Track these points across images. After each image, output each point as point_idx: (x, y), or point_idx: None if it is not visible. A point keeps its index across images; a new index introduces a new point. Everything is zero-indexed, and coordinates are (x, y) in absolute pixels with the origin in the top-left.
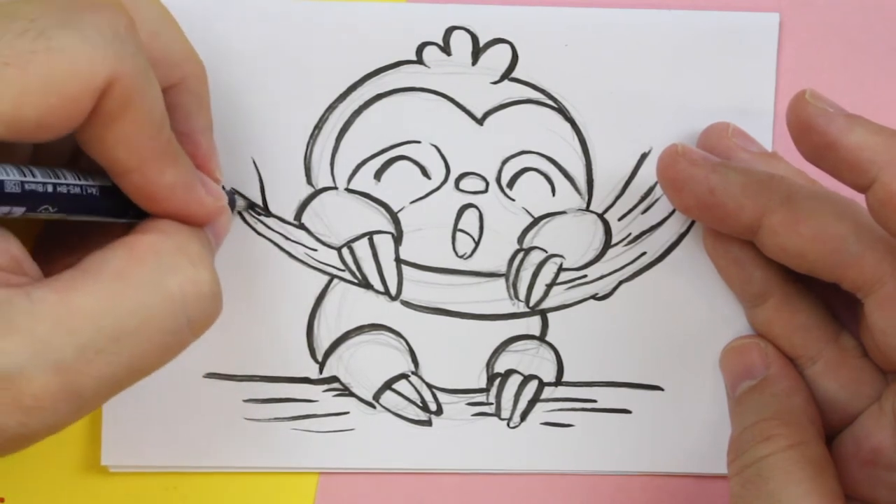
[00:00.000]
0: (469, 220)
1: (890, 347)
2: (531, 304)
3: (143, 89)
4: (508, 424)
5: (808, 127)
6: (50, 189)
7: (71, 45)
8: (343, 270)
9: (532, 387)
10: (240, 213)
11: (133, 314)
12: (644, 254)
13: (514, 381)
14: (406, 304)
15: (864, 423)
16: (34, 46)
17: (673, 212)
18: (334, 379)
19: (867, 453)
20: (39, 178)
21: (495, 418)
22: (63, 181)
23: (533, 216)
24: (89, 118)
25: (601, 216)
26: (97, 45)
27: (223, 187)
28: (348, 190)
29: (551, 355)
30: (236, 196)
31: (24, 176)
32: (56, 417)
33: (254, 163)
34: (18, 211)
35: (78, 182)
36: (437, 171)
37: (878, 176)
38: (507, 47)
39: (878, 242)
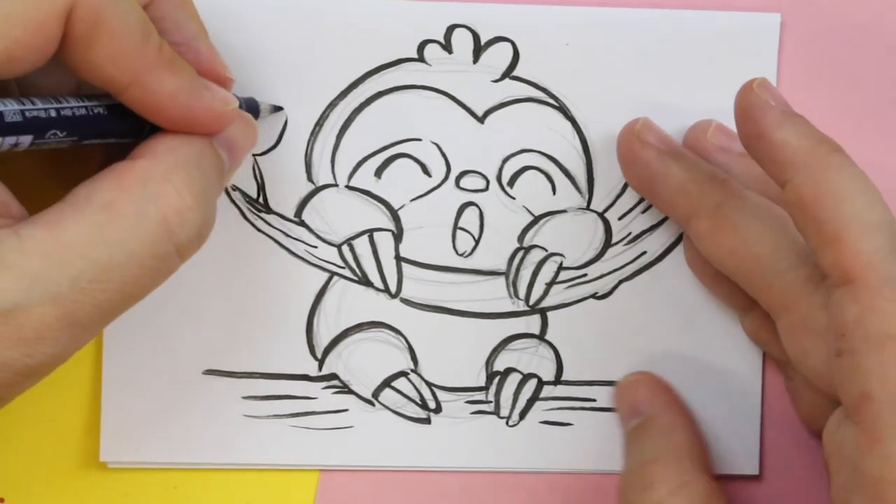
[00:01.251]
0: (469, 219)
1: (802, 374)
2: (531, 302)
3: (111, 2)
4: (507, 423)
5: (745, 114)
6: (53, 114)
7: None
8: (343, 268)
9: (531, 385)
10: (240, 210)
11: (121, 245)
12: (644, 253)
13: (514, 379)
14: (406, 301)
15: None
16: None
17: None
18: (333, 376)
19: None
20: (40, 105)
21: (494, 416)
22: (66, 105)
23: (533, 215)
24: (66, 44)
25: (601, 215)
26: None
27: (248, 102)
28: (349, 187)
29: (551, 354)
30: (258, 102)
31: (24, 105)
32: (58, 347)
33: (254, 159)
34: (26, 140)
35: (82, 104)
36: (438, 169)
37: (792, 177)
38: (508, 46)
39: (791, 271)
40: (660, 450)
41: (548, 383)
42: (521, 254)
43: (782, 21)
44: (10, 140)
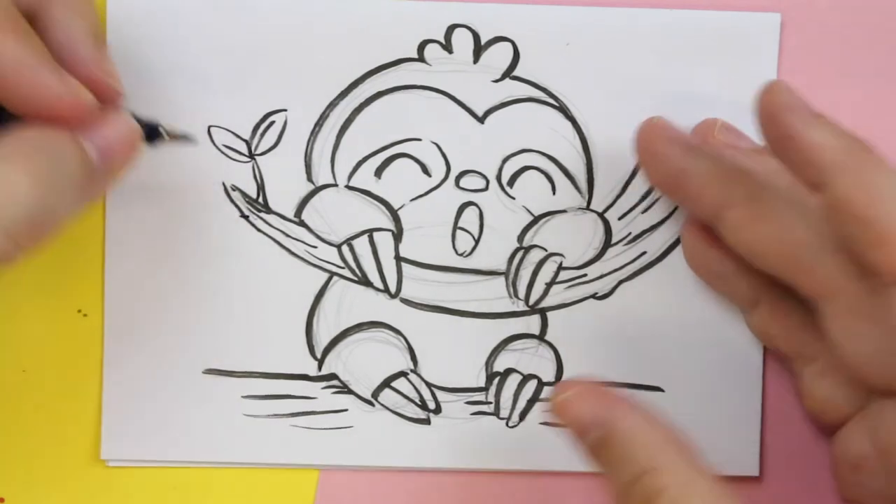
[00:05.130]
0: (469, 218)
1: (847, 362)
2: (531, 302)
3: None
4: (507, 424)
5: (772, 116)
6: None
7: None
8: (343, 268)
9: (531, 386)
10: (240, 210)
11: None
12: (644, 253)
13: (514, 380)
14: (405, 301)
15: (851, 428)
16: None
17: (673, 212)
18: (333, 376)
19: (852, 458)
20: None
21: (494, 417)
22: None
23: (533, 214)
24: None
25: (601, 215)
26: None
27: (166, 130)
28: (348, 187)
29: (551, 354)
30: (161, 124)
31: None
32: None
33: (254, 159)
34: None
35: None
36: (438, 169)
37: (830, 181)
38: (508, 45)
39: (837, 254)
40: (648, 455)
41: (548, 384)
42: (520, 254)
43: (782, 21)
44: None
